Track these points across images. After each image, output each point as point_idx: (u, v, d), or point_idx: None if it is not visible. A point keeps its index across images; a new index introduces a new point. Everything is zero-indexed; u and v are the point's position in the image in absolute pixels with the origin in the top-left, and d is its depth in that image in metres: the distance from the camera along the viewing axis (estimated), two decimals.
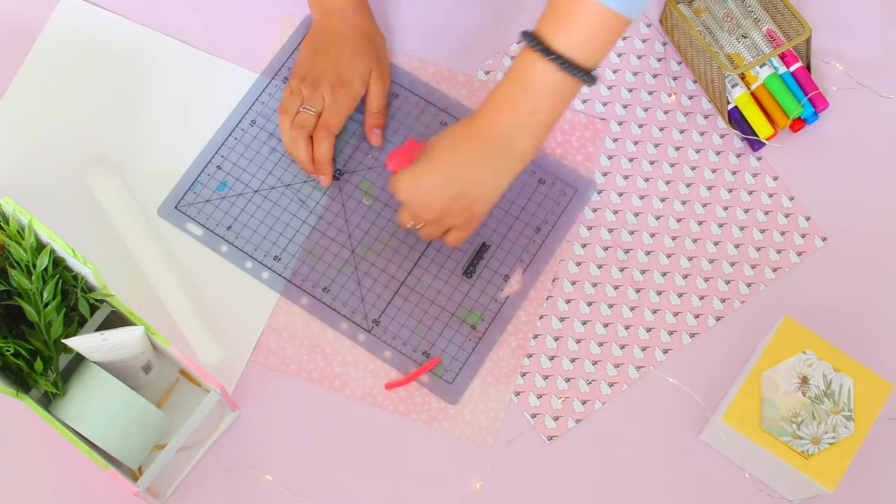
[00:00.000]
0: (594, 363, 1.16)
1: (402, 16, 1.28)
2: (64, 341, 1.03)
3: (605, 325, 1.17)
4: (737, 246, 1.20)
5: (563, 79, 0.98)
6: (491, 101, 1.03)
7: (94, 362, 1.06)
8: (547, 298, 1.18)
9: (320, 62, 1.18)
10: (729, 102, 1.23)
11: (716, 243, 1.20)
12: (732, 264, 1.19)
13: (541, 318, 1.17)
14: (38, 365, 1.05)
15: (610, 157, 1.23)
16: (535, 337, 1.17)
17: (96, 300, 1.08)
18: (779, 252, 1.20)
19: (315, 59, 1.18)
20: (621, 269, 1.19)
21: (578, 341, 1.17)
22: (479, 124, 1.03)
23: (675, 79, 1.26)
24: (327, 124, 1.17)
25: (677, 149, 1.23)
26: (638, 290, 1.18)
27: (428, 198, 1.05)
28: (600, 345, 1.16)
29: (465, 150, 1.03)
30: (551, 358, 1.16)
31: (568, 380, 1.15)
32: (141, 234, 1.18)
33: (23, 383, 1.09)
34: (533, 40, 0.98)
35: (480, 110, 1.03)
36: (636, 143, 1.24)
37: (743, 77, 1.24)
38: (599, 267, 1.19)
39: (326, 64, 1.17)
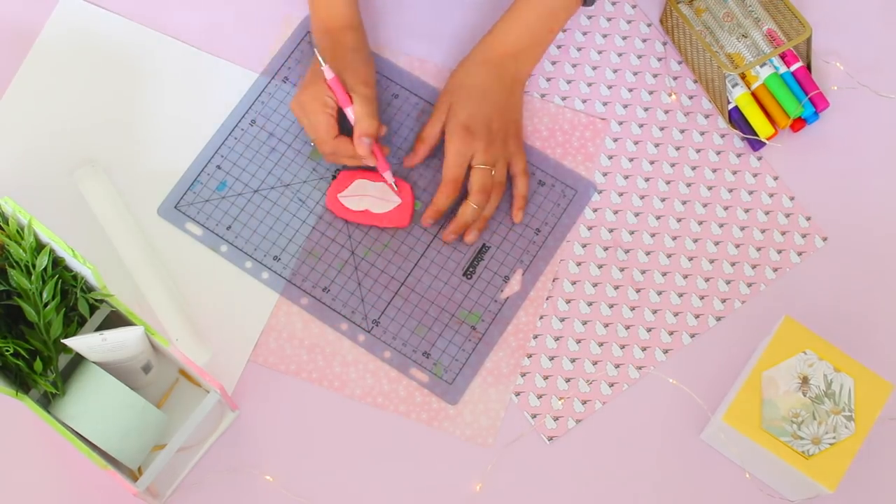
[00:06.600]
0: (594, 363, 1.16)
1: (402, 16, 1.28)
2: (63, 341, 1.03)
3: (606, 326, 1.17)
4: (737, 246, 1.20)
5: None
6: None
7: (94, 362, 1.06)
8: (547, 298, 1.18)
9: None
10: (729, 102, 1.23)
11: (716, 243, 1.20)
12: (733, 264, 1.19)
13: (541, 318, 1.17)
14: (38, 365, 1.05)
15: (610, 157, 1.23)
16: (536, 337, 1.17)
17: (96, 300, 1.08)
18: (779, 252, 1.20)
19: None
20: (621, 269, 1.19)
21: (579, 341, 1.16)
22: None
23: (675, 78, 1.26)
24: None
25: (678, 149, 1.23)
26: (638, 290, 1.18)
27: (479, 118, 1.17)
28: (600, 345, 1.16)
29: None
30: (551, 358, 1.16)
31: (568, 380, 1.15)
32: (127, 233, 1.18)
33: (22, 383, 1.09)
34: None
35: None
36: (636, 142, 1.23)
37: (743, 77, 1.24)
38: (600, 267, 1.19)
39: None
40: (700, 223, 1.21)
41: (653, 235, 1.20)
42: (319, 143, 1.16)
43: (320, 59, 1.14)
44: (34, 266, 1.04)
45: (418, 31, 1.27)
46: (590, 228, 1.20)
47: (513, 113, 1.19)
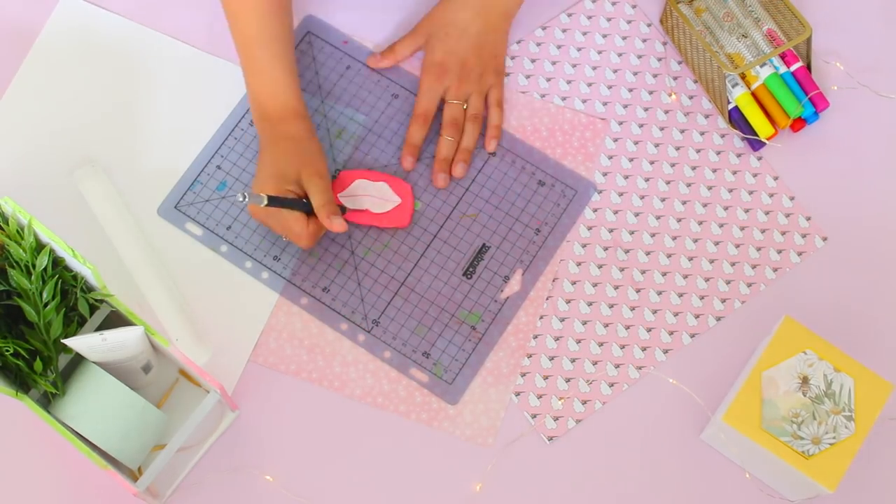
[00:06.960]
0: (594, 363, 1.16)
1: (403, 16, 1.28)
2: (63, 341, 1.03)
3: (606, 326, 1.17)
4: (737, 246, 1.20)
5: None
6: None
7: (94, 362, 1.06)
8: (547, 298, 1.18)
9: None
10: (729, 102, 1.23)
11: (716, 243, 1.20)
12: (733, 264, 1.19)
13: (541, 318, 1.17)
14: (38, 365, 1.05)
15: (610, 157, 1.23)
16: (536, 337, 1.17)
17: (96, 300, 1.08)
18: (779, 252, 1.20)
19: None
20: (621, 269, 1.19)
21: (579, 341, 1.16)
22: None
23: (675, 78, 1.26)
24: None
25: (678, 149, 1.23)
26: (638, 290, 1.18)
27: (459, 54, 1.20)
28: (600, 345, 1.16)
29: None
30: (551, 358, 1.16)
31: (568, 380, 1.15)
32: (127, 233, 1.18)
33: (22, 383, 1.09)
34: None
35: None
36: (636, 142, 1.23)
37: (743, 77, 1.24)
38: (600, 267, 1.19)
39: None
40: (700, 223, 1.21)
41: (653, 235, 1.20)
42: (297, 239, 1.13)
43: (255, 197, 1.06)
44: (34, 266, 1.04)
45: None
46: (590, 228, 1.20)
47: (493, 49, 1.22)
